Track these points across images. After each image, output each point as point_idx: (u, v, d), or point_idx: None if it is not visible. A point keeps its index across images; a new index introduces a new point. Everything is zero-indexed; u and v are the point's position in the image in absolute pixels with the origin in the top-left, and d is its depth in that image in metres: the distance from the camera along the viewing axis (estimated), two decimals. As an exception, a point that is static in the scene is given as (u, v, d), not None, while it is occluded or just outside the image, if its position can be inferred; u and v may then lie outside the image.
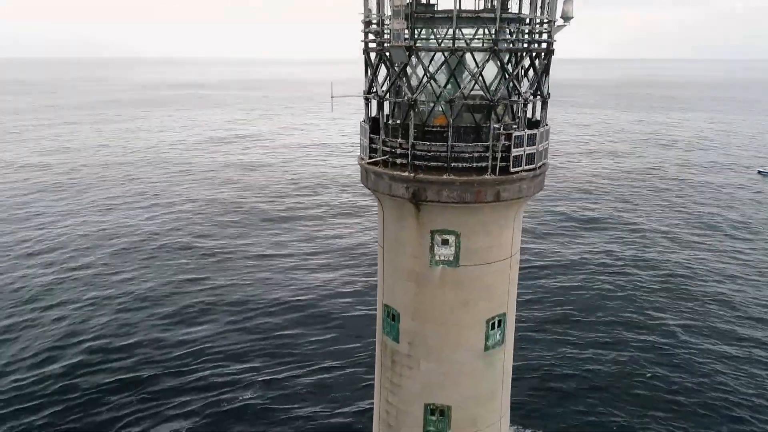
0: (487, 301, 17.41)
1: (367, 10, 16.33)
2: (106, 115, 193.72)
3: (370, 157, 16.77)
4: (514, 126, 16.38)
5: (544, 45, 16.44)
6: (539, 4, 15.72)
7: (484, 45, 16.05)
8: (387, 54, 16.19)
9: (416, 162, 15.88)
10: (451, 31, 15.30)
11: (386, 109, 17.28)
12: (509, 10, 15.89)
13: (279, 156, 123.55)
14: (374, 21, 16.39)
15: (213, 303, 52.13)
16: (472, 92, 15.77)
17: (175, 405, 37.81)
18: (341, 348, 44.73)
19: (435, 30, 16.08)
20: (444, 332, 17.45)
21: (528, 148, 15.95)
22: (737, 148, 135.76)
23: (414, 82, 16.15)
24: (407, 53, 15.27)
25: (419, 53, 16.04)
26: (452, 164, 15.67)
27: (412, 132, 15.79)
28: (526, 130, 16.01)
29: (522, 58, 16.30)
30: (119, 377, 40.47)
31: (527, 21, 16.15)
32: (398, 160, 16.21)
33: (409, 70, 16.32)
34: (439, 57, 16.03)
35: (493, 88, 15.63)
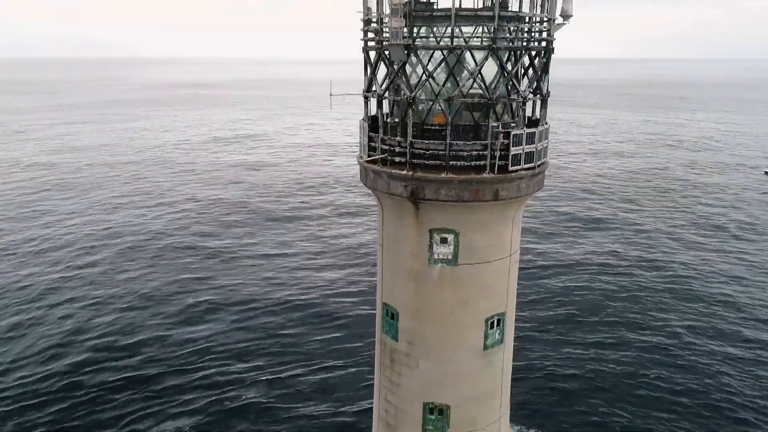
0: (486, 300, 17.40)
1: (367, 9, 16.37)
2: (110, 115, 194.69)
3: (369, 156, 16.80)
4: (513, 124, 16.38)
5: (543, 43, 16.42)
6: (539, 2, 15.71)
7: (483, 43, 16.05)
8: (386, 52, 16.22)
9: (415, 160, 15.91)
10: (450, 29, 15.32)
11: (385, 108, 17.32)
12: (509, 9, 15.89)
13: (284, 156, 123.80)
14: (373, 19, 16.42)
15: (217, 302, 52.31)
16: (471, 90, 15.78)
17: (180, 403, 37.96)
18: (345, 347, 44.79)
19: (434, 28, 16.07)
20: (443, 331, 17.46)
21: (527, 146, 15.95)
22: (744, 148, 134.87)
23: (413, 80, 16.17)
24: (406, 51, 15.29)
25: (418, 51, 16.06)
26: (451, 163, 15.68)
27: (410, 130, 15.82)
28: (525, 128, 16.01)
29: (521, 56, 16.28)
30: (124, 375, 40.67)
31: (526, 19, 16.13)
32: (397, 159, 16.24)
33: (408, 68, 16.36)
34: (438, 55, 16.05)
35: (492, 86, 15.63)
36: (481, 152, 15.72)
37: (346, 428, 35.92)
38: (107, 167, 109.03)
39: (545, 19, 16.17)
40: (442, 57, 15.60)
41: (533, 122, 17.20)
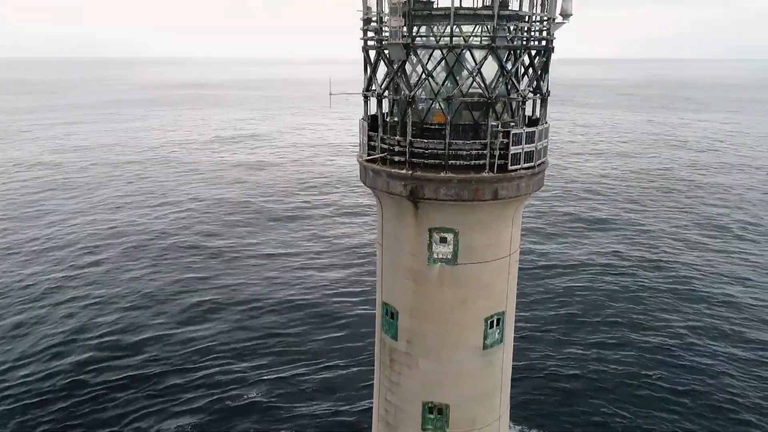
0: (485, 300, 17.38)
1: (366, 8, 16.38)
2: (110, 115, 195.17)
3: (369, 155, 16.81)
4: (513, 124, 16.36)
5: (543, 42, 16.40)
6: (538, 1, 15.69)
7: (483, 42, 16.04)
8: (386, 51, 16.23)
9: (414, 159, 15.91)
10: (449, 28, 15.31)
11: (385, 107, 17.32)
12: (508, 8, 15.87)
13: (286, 155, 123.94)
14: (373, 18, 16.43)
15: (220, 301, 52.42)
16: (471, 90, 15.77)
17: (182, 402, 38.07)
18: (347, 346, 44.83)
19: (433, 27, 16.08)
20: (442, 330, 17.45)
21: (526, 146, 15.92)
22: (748, 148, 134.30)
23: (413, 79, 16.17)
24: (405, 51, 15.30)
25: (417, 50, 16.05)
26: (450, 162, 15.66)
27: (410, 129, 15.81)
28: (524, 127, 15.99)
29: (521, 55, 16.27)
30: (127, 374, 40.80)
31: (526, 18, 16.11)
32: (396, 158, 16.24)
33: (409, 67, 16.36)
34: (438, 54, 16.04)
35: (491, 85, 15.61)
36: (480, 151, 15.71)
37: (347, 427, 35.96)
38: (110, 167, 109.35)
39: (545, 18, 16.15)
40: (442, 56, 15.59)
41: (533, 121, 17.17)
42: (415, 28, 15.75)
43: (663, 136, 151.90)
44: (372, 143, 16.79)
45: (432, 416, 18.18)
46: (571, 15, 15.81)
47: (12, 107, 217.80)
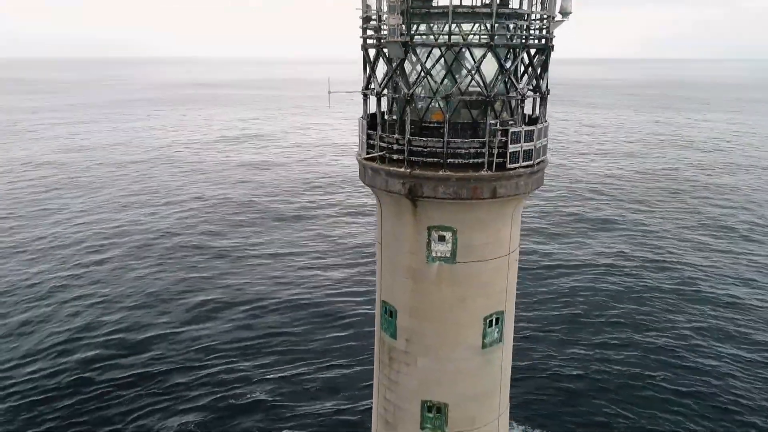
0: (484, 299, 17.37)
1: (365, 6, 16.42)
2: (112, 115, 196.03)
3: (368, 153, 16.86)
4: (512, 122, 16.35)
5: (542, 41, 16.39)
6: (537, -1, 15.70)
7: (482, 40, 16.05)
8: (384, 50, 16.27)
9: (413, 158, 15.93)
10: (448, 26, 15.33)
11: (384, 106, 17.36)
12: (508, 6, 15.88)
13: (291, 155, 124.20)
14: (372, 17, 16.47)
15: (224, 301, 52.60)
16: (470, 88, 15.78)
17: (186, 400, 38.24)
18: (351, 345, 44.92)
19: (432, 25, 16.11)
20: (441, 329, 17.46)
21: (525, 144, 15.91)
22: (754, 148, 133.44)
23: (412, 78, 16.20)
24: (404, 49, 15.33)
25: (416, 49, 16.08)
26: (449, 160, 15.67)
27: (408, 128, 15.84)
28: (523, 126, 15.99)
29: (520, 53, 16.26)
30: (132, 372, 41.03)
31: (525, 16, 16.11)
32: (395, 156, 16.27)
33: (408, 66, 16.38)
34: (437, 52, 16.07)
35: (490, 84, 15.62)
36: (479, 150, 15.70)
37: (350, 427, 36.02)
38: (115, 166, 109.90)
39: (544, 16, 16.15)
40: (440, 54, 15.62)
41: (532, 120, 17.17)
42: (414, 26, 15.78)
43: (668, 136, 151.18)
44: (371, 141, 16.84)
45: (431, 415, 18.20)
46: (571, 13, 15.81)
47: (14, 107, 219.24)
